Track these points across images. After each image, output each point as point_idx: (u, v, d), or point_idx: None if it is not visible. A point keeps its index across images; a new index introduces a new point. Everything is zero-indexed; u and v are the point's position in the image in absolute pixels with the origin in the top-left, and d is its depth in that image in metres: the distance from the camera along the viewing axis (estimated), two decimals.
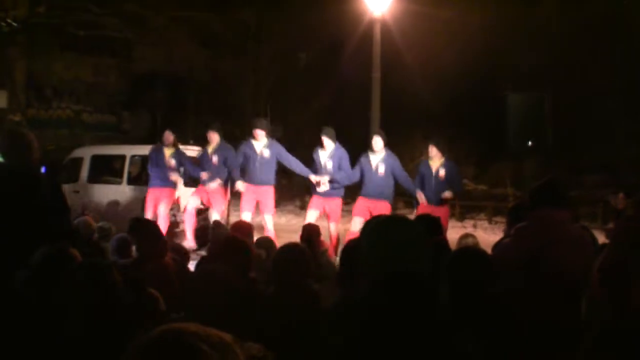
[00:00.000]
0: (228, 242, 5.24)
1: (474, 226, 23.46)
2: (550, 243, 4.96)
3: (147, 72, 36.02)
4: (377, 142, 12.22)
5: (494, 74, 29.86)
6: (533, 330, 4.37)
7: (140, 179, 17.11)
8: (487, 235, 20.00)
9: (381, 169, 12.13)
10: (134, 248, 7.06)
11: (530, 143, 32.51)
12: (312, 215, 12.47)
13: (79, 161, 17.70)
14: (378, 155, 12.26)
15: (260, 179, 12.79)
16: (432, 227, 5.66)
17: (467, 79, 28.07)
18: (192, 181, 14.72)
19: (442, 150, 12.20)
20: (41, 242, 4.59)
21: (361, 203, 12.32)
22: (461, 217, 26.08)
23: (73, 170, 17.57)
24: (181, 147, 16.07)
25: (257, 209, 13.36)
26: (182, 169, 14.26)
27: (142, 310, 3.68)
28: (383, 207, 11.94)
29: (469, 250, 4.85)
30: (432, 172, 11.98)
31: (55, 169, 17.10)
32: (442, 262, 3.98)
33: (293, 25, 31.74)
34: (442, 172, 11.95)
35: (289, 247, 4.94)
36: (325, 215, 12.91)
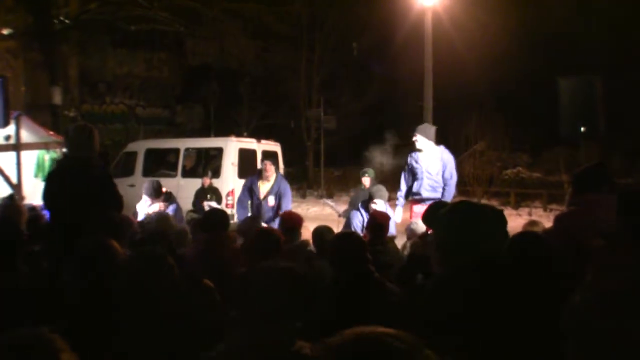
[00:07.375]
0: (259, 234, 5.28)
1: (529, 214, 23.20)
2: (595, 229, 4.82)
3: (199, 65, 36.34)
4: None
5: (544, 58, 29.52)
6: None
7: (194, 172, 17.23)
8: (543, 222, 19.74)
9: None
10: (190, 238, 7.10)
11: (582, 129, 32.03)
12: None
13: (133, 155, 17.94)
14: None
15: None
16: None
17: (519, 65, 27.79)
18: None
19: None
20: (89, 232, 4.66)
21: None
22: (516, 205, 25.88)
23: (128, 164, 17.81)
24: (235, 139, 16.19)
25: None
26: None
27: (195, 300, 3.69)
28: None
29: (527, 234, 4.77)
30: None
31: (108, 163, 17.31)
32: None
33: (345, 15, 31.72)
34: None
35: (346, 236, 4.93)
36: None
